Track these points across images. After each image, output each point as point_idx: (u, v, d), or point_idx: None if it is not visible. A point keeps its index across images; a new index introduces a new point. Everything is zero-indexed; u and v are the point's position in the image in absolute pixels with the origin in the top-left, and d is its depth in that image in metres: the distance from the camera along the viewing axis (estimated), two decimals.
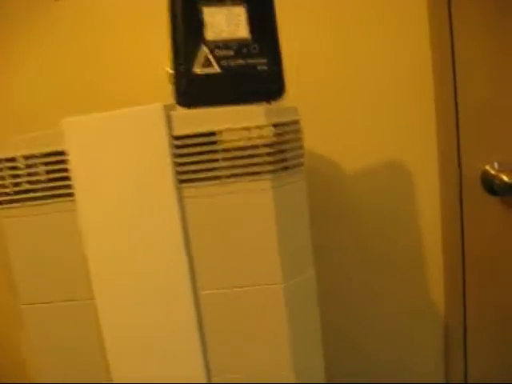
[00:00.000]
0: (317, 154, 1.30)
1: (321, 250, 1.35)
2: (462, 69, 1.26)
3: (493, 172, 1.29)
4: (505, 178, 1.25)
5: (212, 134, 0.72)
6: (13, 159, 0.72)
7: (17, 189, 0.74)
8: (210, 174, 0.72)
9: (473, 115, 1.27)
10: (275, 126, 0.72)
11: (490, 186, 1.30)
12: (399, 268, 1.38)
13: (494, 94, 1.27)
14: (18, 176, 0.73)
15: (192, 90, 0.76)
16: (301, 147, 0.76)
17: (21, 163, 0.71)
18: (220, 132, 0.72)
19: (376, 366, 1.46)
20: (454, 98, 1.28)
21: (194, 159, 0.72)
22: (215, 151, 0.72)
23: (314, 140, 1.28)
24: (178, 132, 0.72)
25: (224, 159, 0.72)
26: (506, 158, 1.29)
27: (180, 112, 0.74)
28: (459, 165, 1.31)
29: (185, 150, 0.72)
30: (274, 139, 0.72)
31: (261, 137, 0.71)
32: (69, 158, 0.73)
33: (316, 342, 0.78)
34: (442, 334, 1.42)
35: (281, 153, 0.73)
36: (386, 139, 1.30)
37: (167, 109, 0.72)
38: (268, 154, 0.72)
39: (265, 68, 0.77)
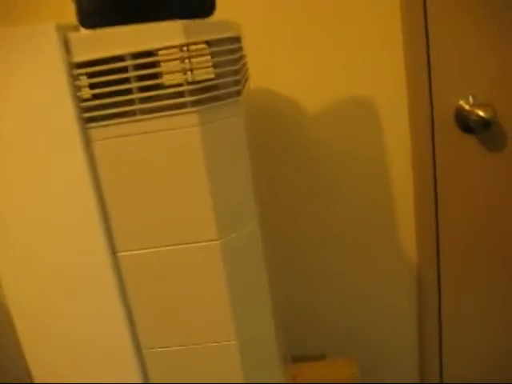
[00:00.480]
0: (276, 91, 1.17)
1: (280, 198, 1.24)
2: None
3: (467, 107, 1.18)
4: (481, 113, 1.14)
5: (121, 59, 0.58)
6: None
7: None
8: (122, 108, 0.59)
9: (444, 45, 1.15)
10: (199, 44, 0.58)
11: (465, 122, 1.20)
12: (368, 214, 1.29)
13: (467, 22, 1.14)
14: None
15: (97, 7, 0.61)
16: (236, 72, 0.62)
17: None
18: (132, 56, 0.58)
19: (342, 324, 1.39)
20: (424, 26, 1.15)
21: (102, 91, 0.58)
22: (127, 80, 0.58)
23: (273, 76, 1.15)
24: (78, 58, 0.57)
25: (139, 90, 0.58)
26: (481, 91, 1.18)
27: (80, 34, 0.59)
28: (431, 100, 1.20)
29: (89, 81, 0.58)
30: (199, 62, 0.58)
31: (182, 60, 0.58)
32: None
33: (263, 303, 0.66)
34: (414, 282, 1.34)
35: (210, 80, 0.60)
36: (350, 73, 1.18)
37: (63, 30, 0.57)
38: (192, 82, 0.58)
39: None
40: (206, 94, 0.59)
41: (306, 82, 1.17)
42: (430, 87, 1.18)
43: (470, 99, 1.17)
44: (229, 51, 0.61)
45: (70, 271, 0.62)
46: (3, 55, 0.56)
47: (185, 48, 0.57)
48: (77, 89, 0.58)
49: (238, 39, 0.64)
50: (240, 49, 0.65)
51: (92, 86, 0.59)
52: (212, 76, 0.61)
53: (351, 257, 1.31)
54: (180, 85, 0.59)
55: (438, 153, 1.23)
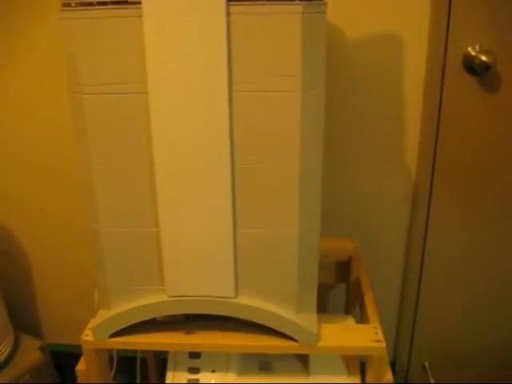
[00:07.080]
0: None
1: None
2: None
3: (473, 53, 1.49)
4: (483, 58, 1.46)
5: None
6: None
7: None
8: None
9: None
10: None
11: (470, 66, 1.51)
12: (378, 133, 1.61)
13: None
14: None
15: None
16: None
17: None
18: None
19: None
20: None
21: None
22: None
23: None
24: None
25: None
26: (486, 41, 1.49)
27: None
28: (446, 45, 1.50)
29: None
30: None
31: None
32: None
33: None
34: (410, 194, 1.66)
35: None
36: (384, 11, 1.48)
37: None
38: None
39: None
40: None
41: (346, 10, 1.47)
42: (447, 34, 1.49)
43: (477, 47, 1.49)
44: None
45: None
46: None
47: None
48: None
49: None
50: None
51: None
52: None
53: (363, 165, 1.65)
54: None
55: (446, 87, 1.55)
